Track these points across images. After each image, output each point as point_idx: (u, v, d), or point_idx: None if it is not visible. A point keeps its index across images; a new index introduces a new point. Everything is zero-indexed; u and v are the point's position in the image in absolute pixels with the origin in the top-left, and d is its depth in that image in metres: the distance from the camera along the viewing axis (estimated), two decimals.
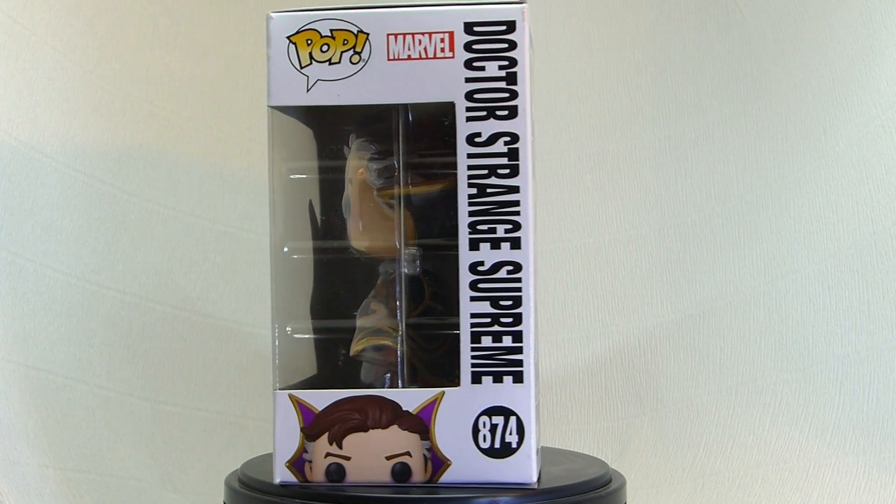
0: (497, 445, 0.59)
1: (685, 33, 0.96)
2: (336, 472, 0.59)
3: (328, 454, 0.59)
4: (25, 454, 0.74)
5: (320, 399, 0.59)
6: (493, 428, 0.59)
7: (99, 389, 0.82)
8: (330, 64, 0.60)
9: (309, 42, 0.60)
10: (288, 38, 0.60)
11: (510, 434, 0.59)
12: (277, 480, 0.59)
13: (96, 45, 0.85)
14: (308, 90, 0.60)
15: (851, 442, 0.81)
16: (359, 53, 0.60)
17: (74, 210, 0.82)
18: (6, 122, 0.77)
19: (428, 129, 0.63)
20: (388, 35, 0.60)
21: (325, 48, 0.60)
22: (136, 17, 0.89)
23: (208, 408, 0.87)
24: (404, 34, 0.60)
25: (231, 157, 0.92)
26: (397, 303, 0.63)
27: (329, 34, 0.60)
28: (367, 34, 0.60)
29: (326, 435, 0.59)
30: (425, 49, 0.60)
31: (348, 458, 0.60)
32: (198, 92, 0.91)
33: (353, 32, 0.60)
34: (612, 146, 0.96)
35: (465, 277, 0.60)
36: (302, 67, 0.60)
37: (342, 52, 0.60)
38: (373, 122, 0.64)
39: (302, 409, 0.59)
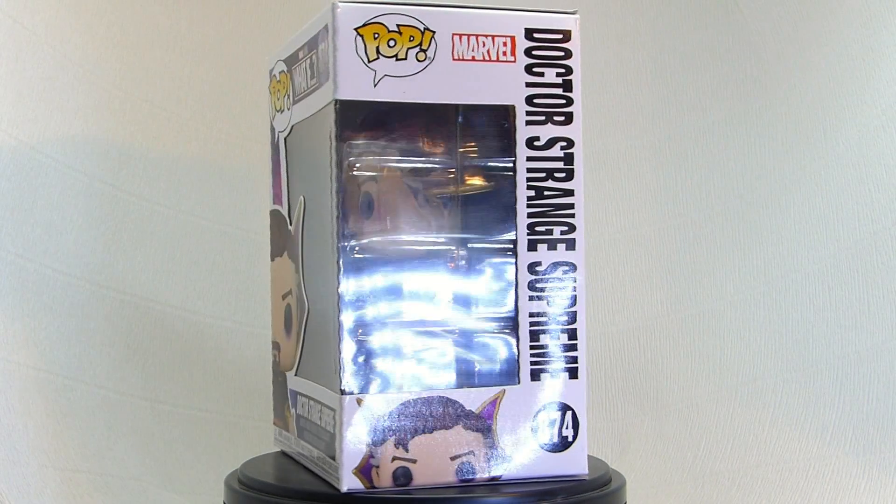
0: (555, 440, 0.61)
1: (685, 33, 0.96)
2: (403, 476, 0.58)
3: (395, 458, 0.58)
4: (25, 454, 0.74)
5: (387, 402, 0.58)
6: (552, 423, 0.61)
7: (99, 389, 0.82)
8: (396, 60, 0.59)
9: (376, 36, 0.58)
10: (355, 30, 0.58)
11: (566, 428, 0.61)
12: (345, 489, 0.57)
13: (96, 45, 0.85)
14: (375, 85, 0.58)
15: (851, 442, 0.81)
16: (424, 51, 0.59)
17: (74, 210, 0.82)
18: (6, 122, 0.77)
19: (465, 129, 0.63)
20: (453, 35, 0.60)
21: (391, 43, 0.59)
22: (136, 17, 0.89)
23: (208, 408, 0.87)
24: (469, 35, 0.60)
25: (231, 157, 0.92)
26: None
27: (396, 29, 0.59)
28: (433, 32, 0.59)
29: (393, 438, 0.58)
30: (488, 51, 0.60)
31: (414, 461, 0.59)
32: (198, 92, 0.91)
33: (419, 29, 0.59)
34: (612, 146, 0.96)
35: (524, 277, 0.61)
36: (369, 61, 0.58)
37: (408, 49, 0.59)
38: (395, 120, 0.63)
39: (370, 413, 0.58)
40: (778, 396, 0.86)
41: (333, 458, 0.58)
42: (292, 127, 0.65)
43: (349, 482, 0.57)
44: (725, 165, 0.93)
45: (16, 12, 0.79)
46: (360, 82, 0.58)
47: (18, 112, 0.78)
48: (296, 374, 0.65)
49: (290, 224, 0.66)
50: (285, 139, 0.67)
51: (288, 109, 0.66)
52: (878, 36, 0.85)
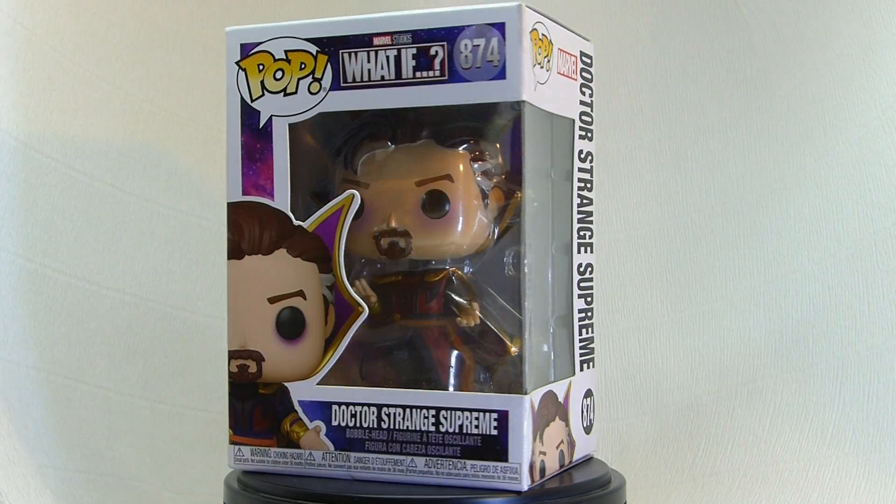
0: (587, 423, 0.67)
1: (685, 33, 0.96)
2: (542, 469, 0.60)
3: (540, 452, 0.60)
4: (25, 454, 0.74)
5: (534, 399, 0.60)
6: (587, 408, 0.67)
7: (99, 389, 0.82)
8: (541, 67, 0.60)
9: (535, 42, 0.59)
10: (529, 33, 0.59)
11: (592, 412, 0.68)
12: (526, 487, 0.58)
13: (96, 45, 0.85)
14: (535, 89, 0.59)
15: (851, 442, 0.81)
16: (549, 61, 0.61)
17: (74, 210, 0.82)
18: (6, 122, 0.77)
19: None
20: (558, 49, 0.62)
21: (539, 51, 0.60)
22: (136, 17, 0.89)
23: (208, 408, 0.87)
24: (564, 51, 0.63)
25: None
26: (549, 299, 0.66)
27: (541, 38, 0.60)
28: (553, 45, 0.61)
29: (539, 433, 0.60)
30: (568, 68, 0.64)
31: (545, 453, 0.61)
32: (198, 92, 0.91)
33: (548, 41, 0.61)
34: (612, 146, 0.96)
35: (575, 278, 0.65)
36: (533, 66, 0.59)
37: (545, 58, 0.61)
38: (448, 122, 0.64)
39: (531, 410, 0.60)
40: (778, 396, 0.86)
41: (494, 459, 0.59)
42: (318, 113, 0.62)
43: (527, 481, 0.58)
44: (725, 165, 0.93)
45: (16, 12, 0.79)
46: (531, 85, 0.59)
47: (18, 112, 0.78)
48: (319, 384, 0.62)
49: (298, 219, 0.62)
50: (290, 125, 0.63)
51: (313, 93, 0.62)
52: (878, 36, 0.85)
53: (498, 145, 0.64)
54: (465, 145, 0.63)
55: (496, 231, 0.64)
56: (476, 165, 0.63)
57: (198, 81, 0.91)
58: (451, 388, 0.63)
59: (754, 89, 0.93)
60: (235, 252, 0.64)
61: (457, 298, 0.64)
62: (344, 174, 0.64)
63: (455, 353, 0.64)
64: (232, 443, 0.64)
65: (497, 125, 0.63)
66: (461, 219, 0.62)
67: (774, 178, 0.90)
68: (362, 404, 0.61)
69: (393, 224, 0.62)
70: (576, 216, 0.65)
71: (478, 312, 0.63)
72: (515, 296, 0.63)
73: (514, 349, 0.63)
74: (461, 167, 0.63)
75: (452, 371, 0.64)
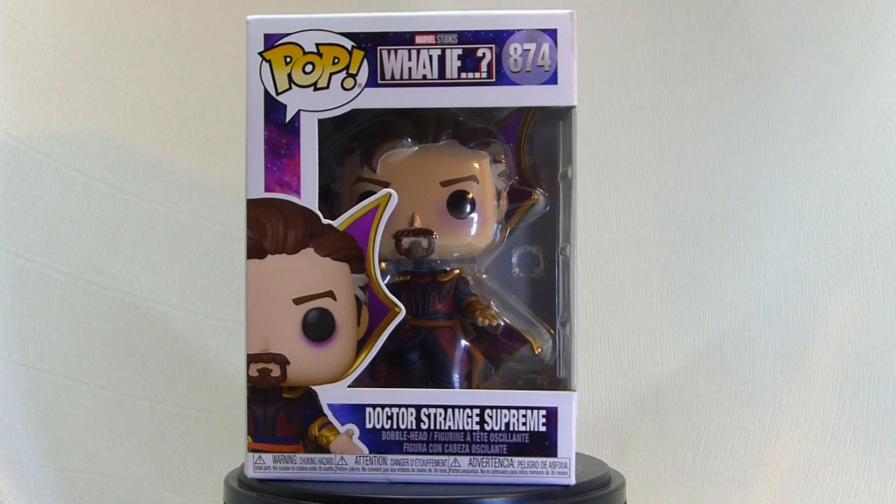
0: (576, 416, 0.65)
1: (685, 33, 0.96)
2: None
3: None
4: (25, 454, 0.74)
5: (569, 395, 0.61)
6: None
7: (99, 389, 0.82)
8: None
9: None
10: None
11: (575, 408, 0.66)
12: (574, 481, 0.60)
13: (96, 45, 0.85)
14: (567, 93, 0.60)
15: (851, 442, 0.81)
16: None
17: (74, 210, 0.82)
18: (6, 122, 0.77)
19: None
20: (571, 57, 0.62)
21: None
22: (136, 17, 0.89)
23: (208, 408, 0.87)
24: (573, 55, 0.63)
25: (231, 157, 0.92)
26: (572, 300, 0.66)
27: None
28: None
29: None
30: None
31: None
32: (198, 92, 0.91)
33: None
34: (612, 146, 0.96)
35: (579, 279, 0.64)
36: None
37: None
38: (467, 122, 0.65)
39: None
40: (778, 396, 0.86)
41: (543, 455, 0.60)
42: (353, 110, 0.60)
43: (574, 475, 0.60)
44: (725, 165, 0.93)
45: (16, 12, 0.79)
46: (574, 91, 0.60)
47: (18, 112, 0.78)
48: (350, 386, 0.61)
49: (327, 216, 0.61)
50: (319, 120, 0.60)
51: (347, 89, 0.60)
52: (878, 36, 0.85)
53: (511, 144, 0.65)
54: (484, 147, 0.64)
55: (507, 232, 0.65)
56: (492, 166, 0.64)
57: (198, 81, 0.91)
58: (457, 387, 0.64)
59: (754, 89, 0.93)
60: (256, 251, 0.61)
61: (473, 299, 0.64)
62: (360, 172, 0.64)
63: (470, 352, 0.64)
64: (251, 450, 0.62)
65: (500, 122, 0.64)
66: (482, 220, 0.63)
67: (774, 178, 0.90)
68: (399, 405, 0.60)
69: (417, 223, 0.63)
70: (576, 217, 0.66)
71: (496, 311, 0.63)
72: (524, 296, 0.64)
73: (537, 348, 0.64)
74: (484, 168, 0.63)
75: (468, 370, 0.64)
